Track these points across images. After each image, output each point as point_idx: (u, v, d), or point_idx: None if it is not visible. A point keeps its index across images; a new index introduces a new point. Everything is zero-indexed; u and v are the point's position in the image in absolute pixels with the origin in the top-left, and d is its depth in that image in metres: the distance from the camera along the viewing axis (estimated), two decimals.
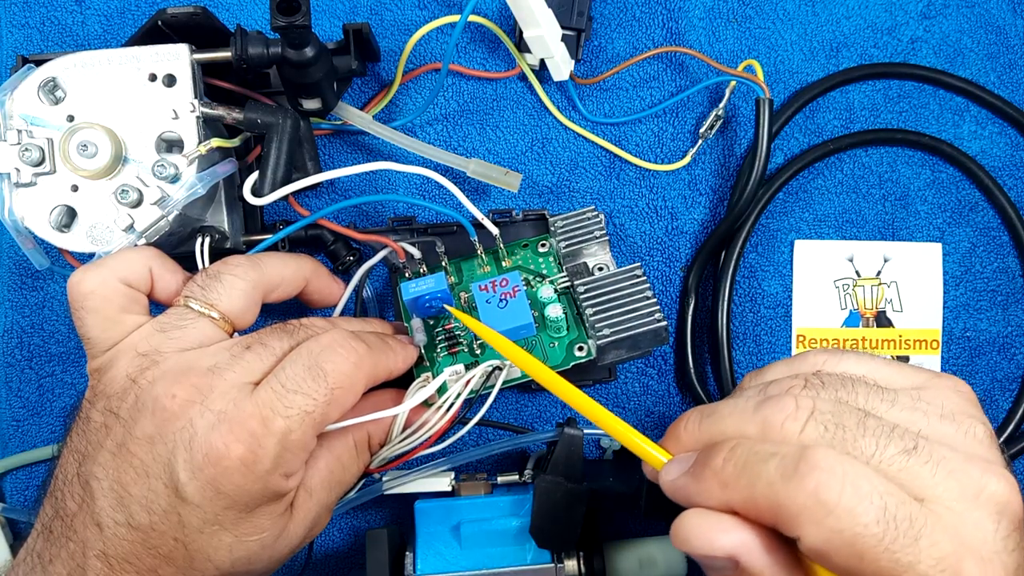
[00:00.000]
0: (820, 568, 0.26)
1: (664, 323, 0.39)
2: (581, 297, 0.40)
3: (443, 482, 0.41)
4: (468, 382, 0.39)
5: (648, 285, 0.40)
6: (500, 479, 0.42)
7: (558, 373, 0.41)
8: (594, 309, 0.40)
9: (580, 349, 0.41)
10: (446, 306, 0.40)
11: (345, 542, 0.47)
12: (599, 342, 0.39)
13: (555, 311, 0.40)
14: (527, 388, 0.47)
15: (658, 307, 0.40)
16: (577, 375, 0.45)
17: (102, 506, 0.32)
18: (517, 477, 0.42)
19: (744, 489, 0.27)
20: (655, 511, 0.40)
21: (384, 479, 0.40)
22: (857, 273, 0.49)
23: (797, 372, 0.32)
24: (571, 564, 0.40)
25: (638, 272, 0.40)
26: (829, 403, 0.29)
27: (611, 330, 0.39)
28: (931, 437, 0.28)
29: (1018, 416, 0.48)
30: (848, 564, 0.25)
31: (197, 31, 0.41)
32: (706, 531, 0.27)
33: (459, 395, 0.39)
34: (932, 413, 0.29)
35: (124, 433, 0.33)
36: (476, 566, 0.39)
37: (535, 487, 0.38)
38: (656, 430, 0.48)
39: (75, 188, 0.39)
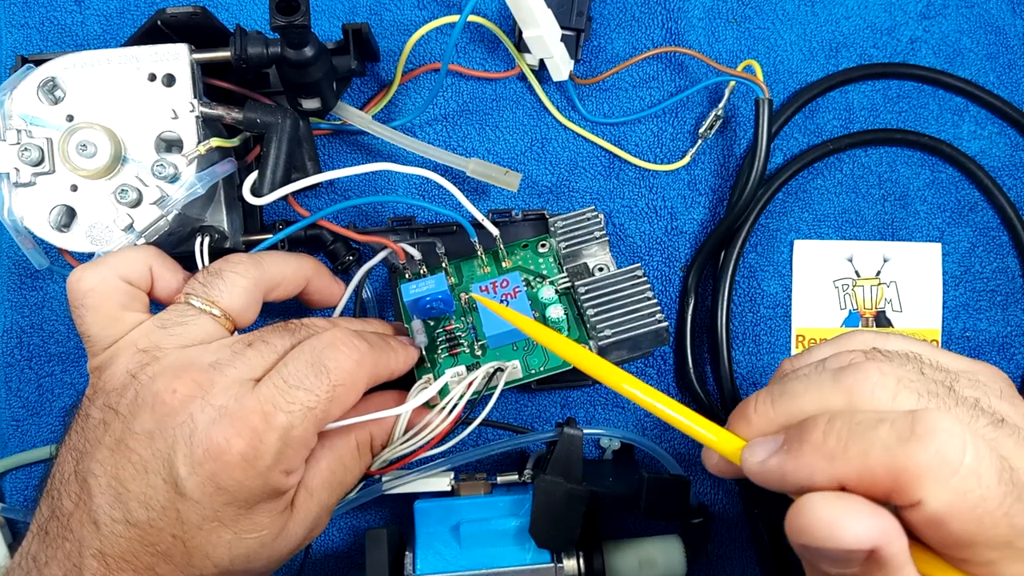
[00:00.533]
0: (921, 552, 0.25)
1: (665, 324, 0.39)
2: (582, 298, 0.40)
3: (443, 482, 0.41)
4: (470, 384, 0.39)
5: (648, 286, 0.40)
6: (500, 479, 0.42)
7: (559, 372, 0.41)
8: (595, 310, 0.40)
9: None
10: (473, 295, 0.40)
11: (345, 542, 0.47)
12: (600, 343, 0.39)
13: (556, 312, 0.40)
14: (527, 388, 0.47)
15: (659, 308, 0.40)
16: (577, 375, 0.45)
17: (99, 503, 0.32)
18: (517, 477, 0.42)
19: (856, 458, 0.25)
20: (655, 511, 0.40)
21: (384, 479, 0.40)
22: (857, 273, 0.49)
23: (850, 349, 0.31)
24: (571, 564, 0.40)
25: (638, 273, 0.40)
26: (912, 372, 0.28)
27: (612, 331, 0.39)
28: (998, 414, 0.28)
29: None
30: (965, 531, 0.24)
31: (196, 31, 0.41)
32: (842, 518, 0.24)
33: (462, 396, 0.39)
34: (992, 394, 0.29)
35: (123, 429, 0.33)
36: (476, 566, 0.39)
37: (535, 487, 0.38)
38: (656, 430, 0.48)
39: (74, 188, 0.39)
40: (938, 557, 0.26)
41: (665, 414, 0.31)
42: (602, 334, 0.39)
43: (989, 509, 0.24)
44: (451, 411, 0.38)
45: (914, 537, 0.25)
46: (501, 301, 0.40)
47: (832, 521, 0.24)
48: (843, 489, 0.26)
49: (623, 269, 0.41)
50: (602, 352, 0.40)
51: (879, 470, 0.25)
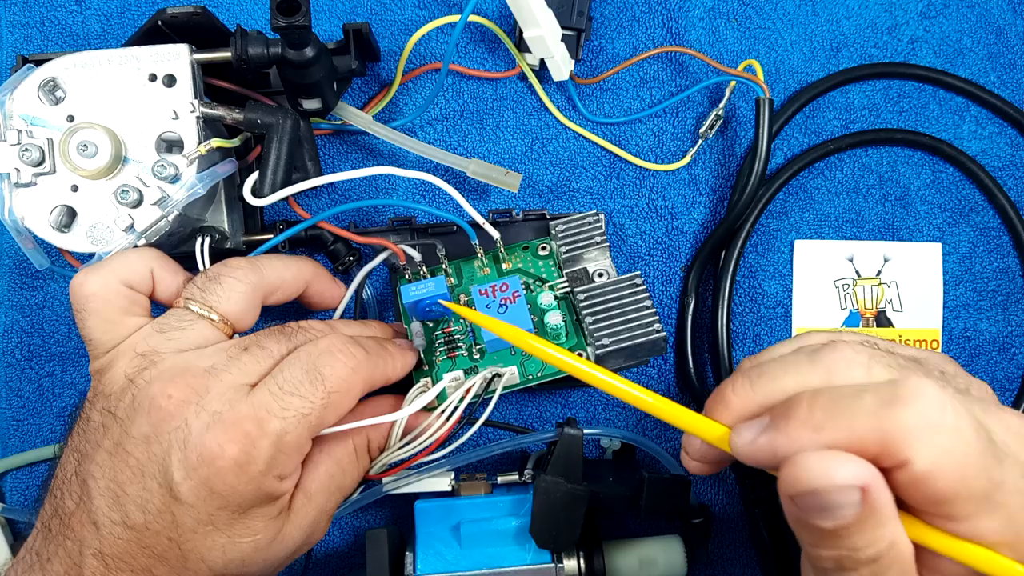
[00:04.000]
0: (904, 517, 0.27)
1: (663, 334, 0.39)
2: (581, 305, 0.40)
3: (443, 482, 0.41)
4: (469, 389, 0.39)
5: (648, 294, 0.40)
6: (500, 479, 0.42)
7: (556, 379, 0.41)
8: (594, 318, 0.40)
9: (579, 356, 0.41)
10: (444, 302, 0.40)
11: (345, 542, 0.47)
12: (598, 351, 0.39)
13: (555, 318, 0.40)
14: (528, 388, 0.47)
15: (657, 317, 0.39)
16: (576, 378, 0.45)
17: (99, 505, 0.32)
18: (517, 477, 0.42)
19: (843, 427, 0.26)
20: (655, 511, 0.40)
21: (385, 479, 0.40)
22: (857, 273, 0.49)
23: (807, 343, 0.32)
24: (571, 564, 0.40)
25: (638, 281, 0.40)
26: (878, 352, 0.29)
27: (610, 340, 0.39)
28: (960, 384, 0.30)
29: None
30: (949, 487, 0.25)
31: (197, 31, 0.41)
32: (832, 464, 0.25)
33: (461, 400, 0.39)
34: (946, 374, 0.31)
35: (121, 433, 0.33)
36: (476, 566, 0.39)
37: (535, 487, 0.38)
38: (656, 430, 0.48)
39: (75, 188, 0.39)
40: (921, 521, 0.27)
41: (649, 404, 0.31)
42: (600, 342, 0.39)
43: (971, 463, 0.25)
44: (449, 416, 0.38)
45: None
46: (500, 306, 0.40)
47: (825, 467, 0.26)
48: None
49: (622, 276, 0.41)
50: (600, 360, 0.40)
51: (866, 434, 0.26)
